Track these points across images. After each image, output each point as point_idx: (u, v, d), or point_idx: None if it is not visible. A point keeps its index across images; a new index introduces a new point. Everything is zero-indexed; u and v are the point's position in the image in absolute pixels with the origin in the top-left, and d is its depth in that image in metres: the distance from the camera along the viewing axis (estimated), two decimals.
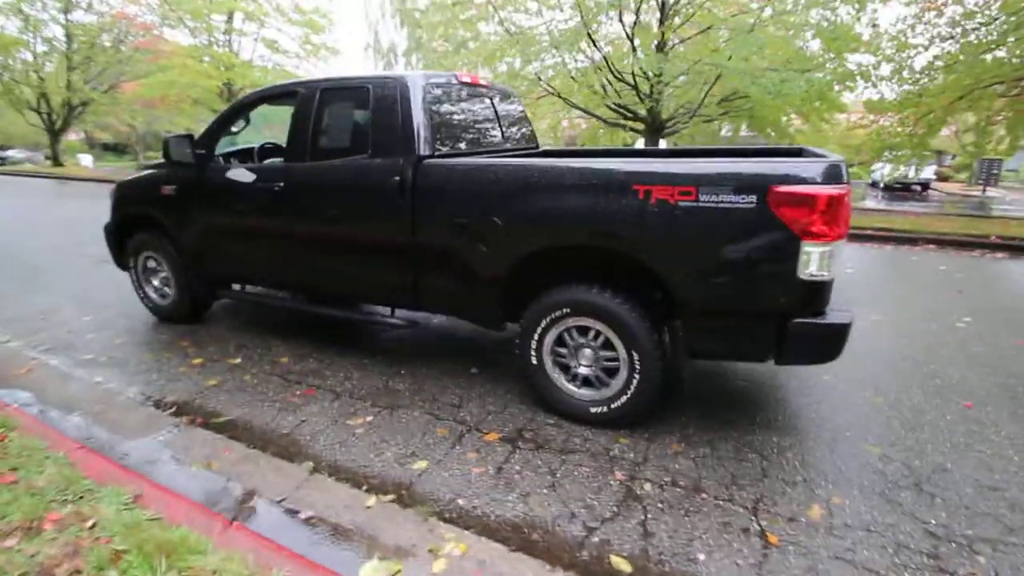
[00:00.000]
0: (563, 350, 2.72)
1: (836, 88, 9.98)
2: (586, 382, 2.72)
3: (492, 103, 3.64)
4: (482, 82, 3.58)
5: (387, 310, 3.37)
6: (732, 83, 10.00)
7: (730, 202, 2.17)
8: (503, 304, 2.80)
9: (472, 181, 2.69)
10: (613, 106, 11.17)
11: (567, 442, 2.62)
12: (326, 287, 3.43)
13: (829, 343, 2.22)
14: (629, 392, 2.57)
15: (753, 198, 2.13)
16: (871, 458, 2.48)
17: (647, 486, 2.30)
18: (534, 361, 2.77)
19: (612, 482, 2.32)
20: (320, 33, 15.90)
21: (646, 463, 2.45)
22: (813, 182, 2.07)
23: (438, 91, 3.07)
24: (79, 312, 4.47)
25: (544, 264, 2.65)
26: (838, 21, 9.00)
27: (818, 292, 2.18)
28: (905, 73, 9.69)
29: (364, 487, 2.26)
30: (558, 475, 2.37)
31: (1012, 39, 8.25)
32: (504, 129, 3.73)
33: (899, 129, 10.78)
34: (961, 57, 8.81)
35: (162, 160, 4.12)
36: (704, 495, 2.24)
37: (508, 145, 3.69)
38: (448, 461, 2.44)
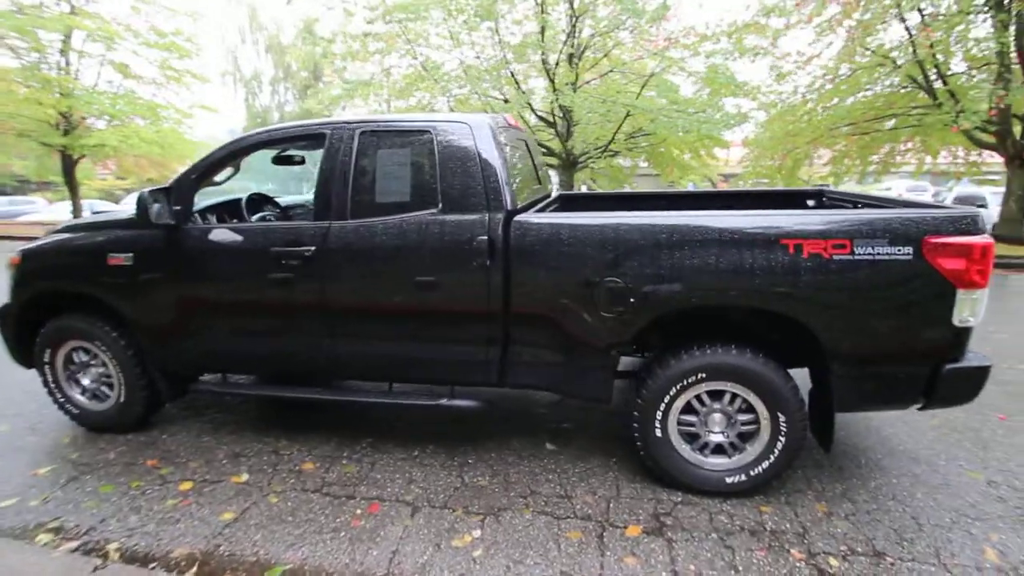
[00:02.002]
0: (691, 418, 2.48)
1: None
2: (717, 450, 2.50)
3: (528, 147, 3.34)
4: (518, 124, 3.27)
5: (420, 388, 2.84)
6: (637, 122, 10.77)
7: (886, 254, 2.14)
8: (615, 374, 2.49)
9: (584, 240, 2.36)
10: None
11: (713, 521, 2.36)
12: (371, 369, 2.79)
13: (975, 385, 2.28)
14: (772, 456, 2.41)
15: (909, 250, 2.13)
16: (980, 485, 2.60)
17: (832, 561, 2.12)
18: (658, 434, 2.48)
19: (797, 564, 2.11)
20: (186, 58, 13.99)
21: (808, 533, 2.28)
22: (965, 232, 2.12)
23: (502, 136, 2.71)
24: None
25: (670, 327, 2.40)
26: (724, 71, 10.17)
27: (966, 337, 2.23)
28: (774, 116, 11.23)
29: None
30: (739, 567, 2.09)
31: (856, 96, 10.06)
32: (539, 173, 3.45)
33: (769, 163, 12.44)
34: (819, 109, 10.45)
35: (83, 221, 3.15)
36: (888, 557, 2.14)
37: (545, 191, 3.40)
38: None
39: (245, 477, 2.72)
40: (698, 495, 2.52)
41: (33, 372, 3.24)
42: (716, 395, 2.44)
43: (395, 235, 2.53)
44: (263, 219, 3.32)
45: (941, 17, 8.30)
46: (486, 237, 2.43)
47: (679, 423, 2.48)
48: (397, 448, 2.98)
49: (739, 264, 2.23)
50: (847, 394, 2.33)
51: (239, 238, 2.73)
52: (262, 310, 2.76)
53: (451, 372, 2.69)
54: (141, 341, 2.96)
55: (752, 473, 2.45)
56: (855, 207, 3.03)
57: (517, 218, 2.44)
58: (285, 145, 3.08)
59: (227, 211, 3.22)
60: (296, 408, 3.44)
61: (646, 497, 2.53)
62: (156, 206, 2.63)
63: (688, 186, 14.14)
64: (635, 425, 2.50)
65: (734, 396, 2.42)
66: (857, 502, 2.49)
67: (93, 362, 3.10)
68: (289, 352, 2.79)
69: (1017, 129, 8.45)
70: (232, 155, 2.85)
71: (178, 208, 2.75)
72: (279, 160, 3.41)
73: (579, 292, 2.39)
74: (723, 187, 17.38)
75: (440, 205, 2.52)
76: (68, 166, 14.27)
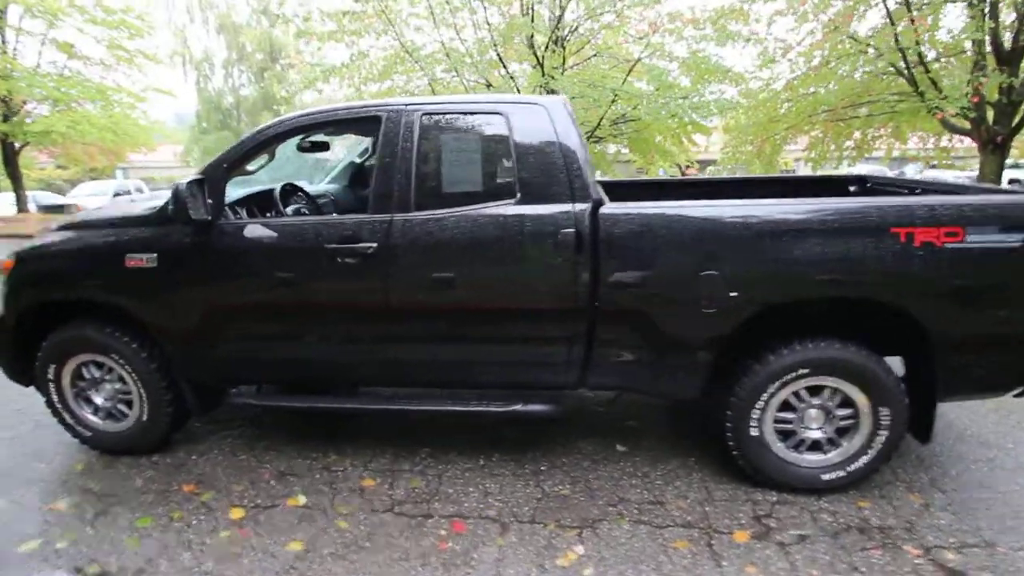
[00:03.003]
0: (788, 415, 2.38)
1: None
2: (812, 447, 2.41)
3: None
4: None
5: (488, 393, 2.62)
6: (623, 107, 10.65)
7: (998, 241, 2.08)
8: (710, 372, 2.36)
9: (680, 231, 2.20)
10: None
11: (818, 521, 2.27)
12: (437, 375, 2.55)
13: None
14: (872, 451, 2.34)
15: (1021, 237, 2.08)
16: None
17: (948, 555, 2.08)
18: (753, 433, 2.37)
19: (917, 561, 2.05)
20: (137, 37, 12.93)
21: (915, 527, 2.23)
22: None
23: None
24: None
25: (767, 321, 2.28)
26: (704, 60, 10.15)
27: None
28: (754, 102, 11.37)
29: None
30: (861, 569, 2.01)
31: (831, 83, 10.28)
32: None
33: (748, 148, 12.60)
34: (800, 95, 10.61)
35: (87, 217, 2.77)
36: (999, 547, 2.11)
37: None
38: None
39: (302, 500, 2.45)
40: (792, 493, 2.44)
41: (23, 388, 2.85)
42: (815, 390, 2.35)
43: (469, 229, 2.30)
44: (297, 212, 3.00)
45: (926, 5, 8.51)
46: (573, 230, 2.24)
47: (775, 420, 2.38)
48: (460, 458, 2.77)
49: (847, 254, 2.12)
50: (951, 383, 2.28)
51: (285, 234, 2.42)
52: (313, 313, 2.48)
53: (526, 375, 2.49)
54: (167, 351, 2.62)
55: (850, 469, 2.37)
56: (913, 193, 2.98)
57: (604, 208, 2.25)
58: (330, 130, 2.77)
59: (256, 204, 2.89)
60: (333, 417, 3.16)
61: (740, 499, 2.43)
62: (197, 200, 2.30)
63: (659, 172, 14.15)
64: (728, 424, 2.38)
65: (834, 391, 2.33)
66: (947, 491, 2.47)
67: (107, 377, 2.74)
68: (344, 358, 2.52)
69: (990, 115, 8.83)
70: (269, 141, 2.52)
71: (210, 202, 2.42)
72: (305, 147, 3.08)
73: (675, 287, 2.24)
74: (691, 173, 17.58)
75: (518, 195, 2.30)
76: (9, 155, 13.04)
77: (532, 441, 2.90)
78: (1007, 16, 8.41)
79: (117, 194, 17.72)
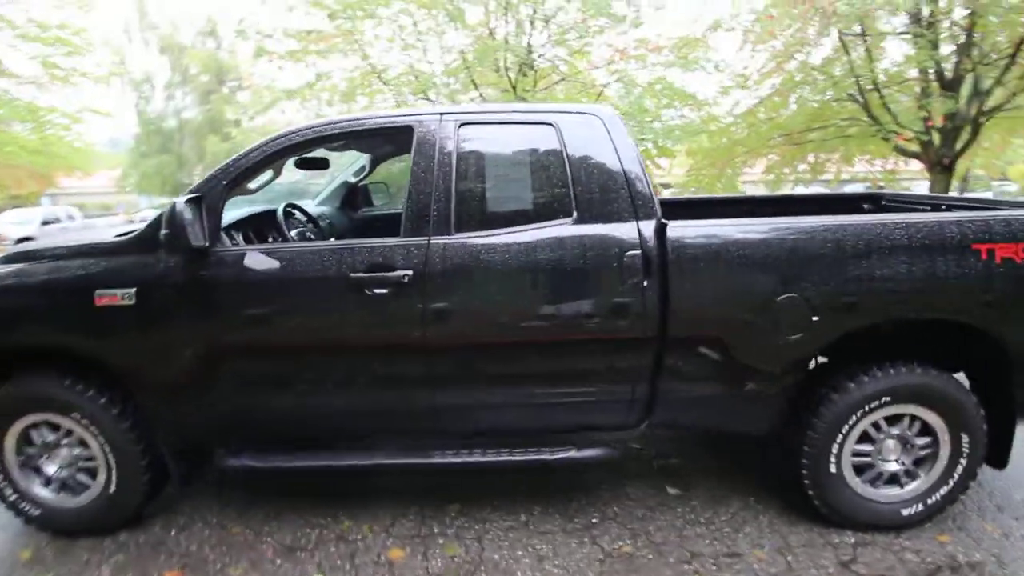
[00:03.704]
0: (866, 447, 2.19)
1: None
2: (890, 480, 2.23)
3: None
4: None
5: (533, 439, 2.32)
6: None
7: None
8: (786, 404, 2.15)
9: (758, 250, 2.00)
10: None
11: (906, 563, 2.08)
12: (481, 421, 2.22)
13: None
14: (951, 481, 2.18)
15: None
16: None
17: None
18: (832, 470, 2.16)
19: None
20: (75, 55, 11.99)
21: (1004, 560, 2.08)
22: None
23: None
24: None
25: (845, 347, 2.10)
26: (667, 86, 10.42)
27: None
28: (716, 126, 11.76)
29: None
30: None
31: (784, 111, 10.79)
32: None
33: (712, 171, 12.98)
34: (761, 119, 11.04)
35: (44, 246, 2.32)
36: None
37: None
38: None
39: None
40: (867, 532, 2.24)
41: None
42: (893, 419, 2.18)
43: (520, 253, 2.01)
44: (303, 236, 2.62)
45: (871, 38, 9.05)
46: (639, 252, 2.00)
47: (853, 454, 2.19)
48: (498, 514, 2.42)
49: (932, 272, 1.99)
50: None
51: (299, 263, 2.06)
52: (334, 354, 2.11)
53: (583, 416, 2.20)
54: (147, 407, 2.17)
55: (929, 502, 2.20)
56: (940, 210, 2.95)
57: (672, 227, 2.03)
58: (352, 141, 2.44)
59: (251, 228, 2.49)
60: (338, 474, 2.73)
61: (818, 543, 2.20)
62: (195, 223, 1.91)
63: None
64: (804, 462, 2.17)
65: (912, 418, 2.17)
66: (1020, 518, 2.34)
67: (65, 441, 2.24)
68: (371, 406, 2.15)
69: (936, 138, 9.44)
70: (278, 154, 2.16)
71: (207, 225, 2.03)
72: (303, 163, 2.73)
73: (752, 312, 2.02)
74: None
75: (575, 214, 2.05)
76: None
77: (572, 488, 2.59)
78: (946, 48, 9.06)
79: (46, 222, 16.27)
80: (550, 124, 2.11)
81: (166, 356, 2.09)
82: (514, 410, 2.19)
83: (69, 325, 2.10)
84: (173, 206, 1.88)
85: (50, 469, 2.28)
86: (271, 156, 2.16)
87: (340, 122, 2.20)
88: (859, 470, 2.22)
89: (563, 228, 2.03)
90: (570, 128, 2.09)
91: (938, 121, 8.95)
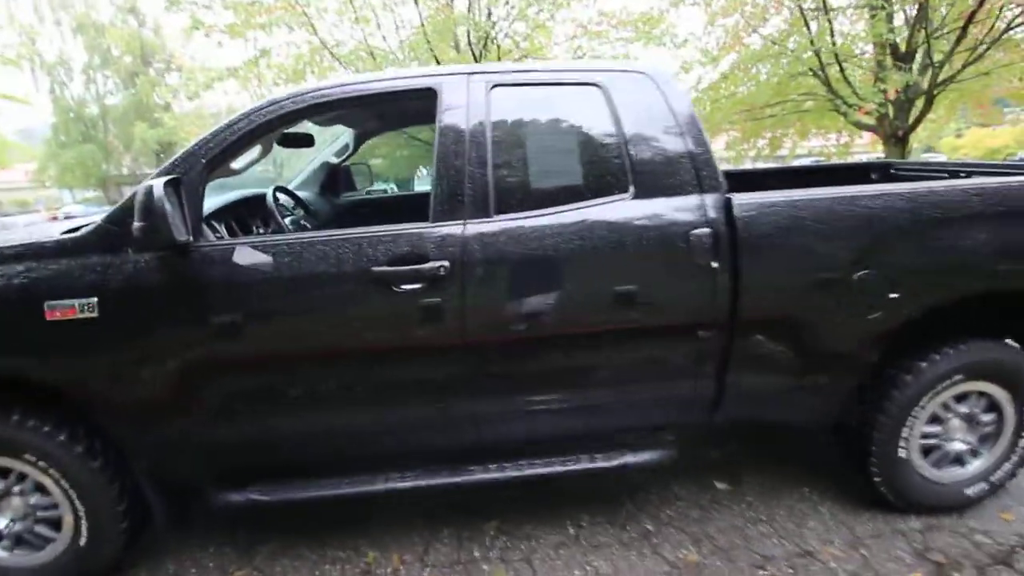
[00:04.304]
0: (934, 428, 2.08)
1: None
2: (954, 460, 2.13)
3: None
4: None
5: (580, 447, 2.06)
6: None
7: None
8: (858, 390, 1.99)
9: (834, 222, 1.80)
10: None
11: (981, 547, 1.98)
12: (530, 431, 1.94)
13: None
14: (1015, 456, 2.10)
15: None
16: None
17: None
18: (902, 454, 2.03)
19: None
20: None
21: None
22: None
23: None
24: None
25: (919, 324, 1.95)
26: (635, 60, 10.26)
27: None
28: None
29: None
30: None
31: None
32: None
33: None
34: (722, 95, 11.08)
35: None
36: None
37: None
38: None
39: None
40: (934, 516, 2.14)
41: None
42: (960, 398, 2.07)
43: (573, 236, 1.73)
44: (296, 224, 2.23)
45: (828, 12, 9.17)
46: (708, 229, 1.76)
47: (921, 436, 2.07)
48: (543, 528, 2.16)
49: (1012, 241, 1.86)
50: None
51: (307, 258, 1.69)
52: (354, 362, 1.77)
53: (640, 416, 1.97)
54: (122, 440, 1.77)
55: (993, 479, 2.12)
56: (958, 176, 2.87)
57: (738, 199, 1.80)
58: (354, 109, 2.06)
59: (233, 217, 2.09)
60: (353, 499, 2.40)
61: (886, 533, 2.08)
62: (176, 213, 1.51)
63: None
64: (873, 448, 2.03)
65: (979, 395, 2.07)
66: None
67: (17, 489, 1.81)
68: (400, 420, 1.83)
69: (891, 110, 9.75)
70: (266, 125, 1.77)
71: (189, 215, 1.63)
72: (286, 140, 2.34)
73: (827, 291, 1.84)
74: None
75: (632, 188, 1.78)
76: None
77: (616, 492, 2.37)
78: (897, 20, 9.29)
79: None
80: (596, 85, 1.82)
81: (144, 377, 1.69)
82: (562, 415, 1.92)
83: (10, 348, 1.67)
84: (149, 192, 1.47)
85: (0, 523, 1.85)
86: (260, 127, 1.77)
87: (345, 85, 1.82)
88: (925, 452, 2.11)
89: (620, 205, 1.76)
90: (619, 89, 1.81)
91: (892, 94, 9.23)
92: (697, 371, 1.88)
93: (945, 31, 8.41)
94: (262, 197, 2.29)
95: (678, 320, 1.82)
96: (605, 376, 1.88)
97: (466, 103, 1.76)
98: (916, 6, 8.26)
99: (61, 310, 1.63)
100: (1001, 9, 7.75)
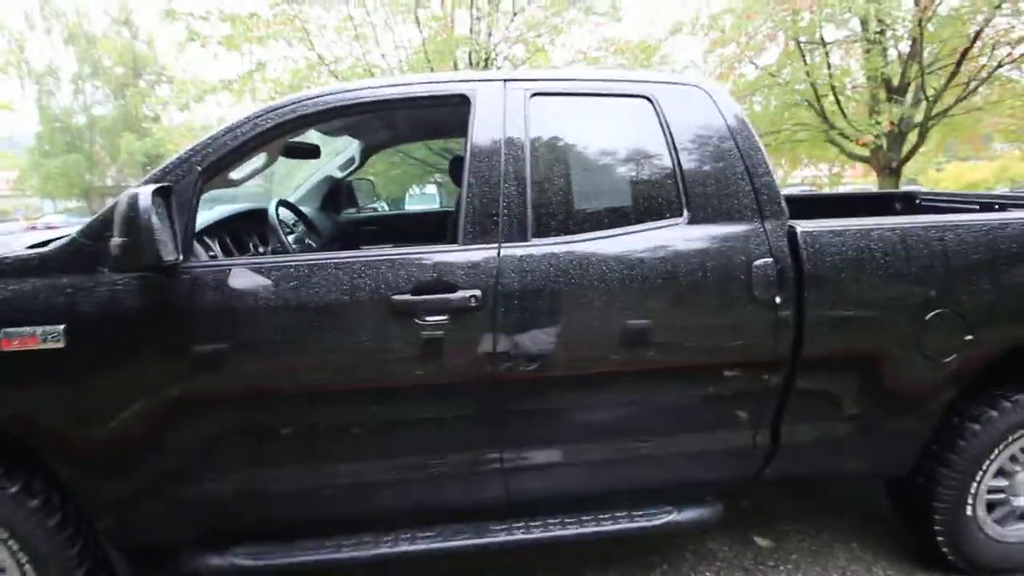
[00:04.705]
0: (1001, 483, 1.88)
1: None
2: (1020, 516, 1.94)
3: None
4: None
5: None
6: None
7: None
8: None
9: (907, 254, 1.63)
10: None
11: None
12: (571, 484, 1.70)
13: None
14: None
15: None
16: None
17: None
18: (969, 512, 1.84)
19: None
20: None
21: None
22: None
23: None
24: None
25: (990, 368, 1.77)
26: None
27: None
28: None
29: None
30: None
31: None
32: None
33: None
34: None
35: None
36: None
37: None
38: None
39: None
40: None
41: None
42: None
43: (622, 265, 1.52)
44: (300, 242, 2.00)
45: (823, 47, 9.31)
46: (771, 259, 1.57)
47: (988, 491, 1.87)
48: None
49: None
50: None
51: (314, 283, 1.47)
52: (366, 405, 1.53)
53: (688, 470, 1.74)
54: (84, 496, 1.49)
55: None
56: (993, 209, 2.75)
57: (803, 227, 1.62)
58: (374, 116, 1.87)
59: (230, 233, 1.85)
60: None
61: None
62: (165, 227, 1.28)
63: None
64: (938, 505, 1.83)
65: None
66: None
67: None
68: (416, 474, 1.59)
69: (885, 142, 9.88)
70: (273, 131, 1.55)
71: (179, 230, 1.40)
72: (291, 151, 2.12)
73: (900, 330, 1.65)
74: None
75: (687, 212, 1.59)
76: None
77: (645, 551, 2.12)
78: (891, 54, 9.47)
79: None
80: (646, 98, 1.64)
81: (115, 420, 1.43)
82: (601, 467, 1.69)
83: None
84: (134, 201, 1.23)
85: None
86: (266, 133, 1.55)
87: (364, 89, 1.63)
88: (989, 508, 1.92)
89: (674, 231, 1.57)
90: (672, 103, 1.64)
91: (885, 126, 9.35)
92: (754, 419, 1.68)
93: (938, 67, 8.58)
94: (261, 212, 2.06)
95: (734, 361, 1.61)
96: (651, 423, 1.66)
97: (502, 112, 1.57)
98: (911, 41, 8.41)
99: (20, 339, 1.38)
100: (993, 48, 7.92)
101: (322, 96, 1.58)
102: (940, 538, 1.88)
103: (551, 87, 1.63)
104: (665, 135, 1.62)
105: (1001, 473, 1.89)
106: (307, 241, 2.14)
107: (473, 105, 1.58)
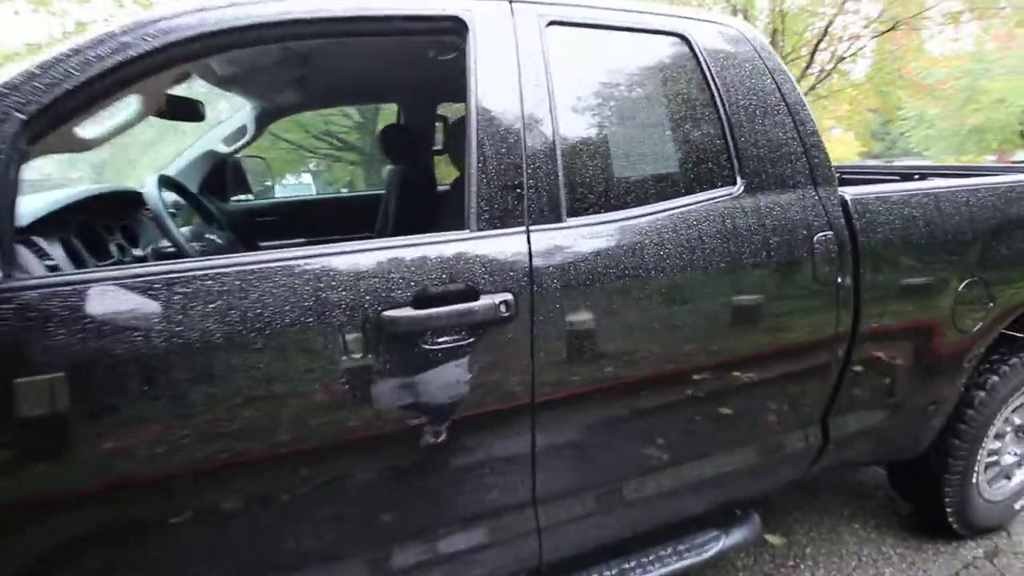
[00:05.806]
0: (996, 445, 1.90)
1: None
2: (1004, 475, 1.99)
3: None
4: None
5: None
6: None
7: None
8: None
9: (959, 218, 1.50)
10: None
11: None
12: (606, 524, 1.33)
13: None
14: None
15: None
16: None
17: None
18: (974, 479, 1.82)
19: None
20: None
21: None
22: None
23: None
24: None
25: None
26: None
27: None
28: None
29: None
30: None
31: None
32: None
33: None
34: None
35: None
36: None
37: None
38: None
39: None
40: (985, 537, 1.99)
41: None
42: (1020, 409, 1.93)
43: (680, 244, 1.19)
44: (199, 239, 1.35)
45: None
46: (831, 232, 1.34)
47: (987, 455, 1.89)
48: None
49: None
50: None
51: (252, 296, 0.92)
52: (348, 469, 1.03)
53: (745, 485, 1.48)
54: None
55: None
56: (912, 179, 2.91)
57: (852, 193, 1.41)
58: (305, 43, 1.27)
59: (78, 231, 1.17)
60: None
61: (953, 568, 1.86)
62: None
63: None
64: (948, 477, 1.79)
65: None
66: None
67: None
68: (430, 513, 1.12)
69: None
70: (145, 59, 0.94)
71: None
72: (170, 109, 1.47)
73: (939, 301, 1.53)
74: None
75: (740, 179, 1.29)
76: None
77: None
78: None
79: None
80: (680, 36, 1.30)
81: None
82: (650, 505, 1.36)
83: None
84: None
85: None
86: (135, 61, 0.94)
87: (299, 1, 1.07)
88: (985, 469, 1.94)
89: (731, 202, 1.26)
90: (711, 44, 1.32)
91: None
92: (805, 416, 1.46)
93: (793, 58, 9.53)
94: (124, 195, 1.38)
95: (800, 349, 1.37)
96: (712, 438, 1.37)
97: (514, 45, 1.13)
98: (772, 33, 9.23)
99: None
100: (840, 42, 8.97)
101: (244, 4, 1.00)
102: (949, 509, 1.86)
103: (569, 14, 1.21)
104: (709, 84, 1.30)
105: (996, 436, 1.92)
106: (208, 236, 1.49)
107: (471, 34, 1.11)
